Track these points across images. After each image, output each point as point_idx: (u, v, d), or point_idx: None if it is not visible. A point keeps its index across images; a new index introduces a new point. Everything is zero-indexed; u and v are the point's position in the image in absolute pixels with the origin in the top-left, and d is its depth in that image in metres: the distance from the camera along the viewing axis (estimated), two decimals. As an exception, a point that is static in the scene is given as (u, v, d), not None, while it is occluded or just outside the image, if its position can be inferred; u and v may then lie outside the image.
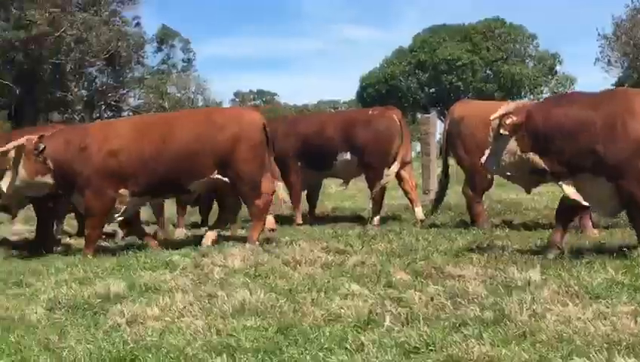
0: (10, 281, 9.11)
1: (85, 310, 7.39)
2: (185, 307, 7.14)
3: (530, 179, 9.93)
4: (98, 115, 74.11)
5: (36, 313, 7.32)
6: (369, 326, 6.29)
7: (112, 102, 76.09)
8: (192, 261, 9.83)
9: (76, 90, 74.40)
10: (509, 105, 9.75)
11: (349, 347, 5.74)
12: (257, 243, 11.12)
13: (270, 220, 13.39)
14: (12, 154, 11.29)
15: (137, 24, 77.40)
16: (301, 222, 14.43)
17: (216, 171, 11.32)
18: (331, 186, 19.35)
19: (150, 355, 5.67)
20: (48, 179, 11.46)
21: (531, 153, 9.32)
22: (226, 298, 7.27)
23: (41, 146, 11.32)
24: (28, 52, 67.72)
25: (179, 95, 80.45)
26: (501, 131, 9.42)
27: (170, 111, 66.40)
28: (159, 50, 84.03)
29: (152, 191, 11.66)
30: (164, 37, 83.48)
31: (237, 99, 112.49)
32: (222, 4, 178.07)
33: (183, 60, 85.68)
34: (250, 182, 11.46)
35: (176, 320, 6.75)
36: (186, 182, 11.44)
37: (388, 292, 7.46)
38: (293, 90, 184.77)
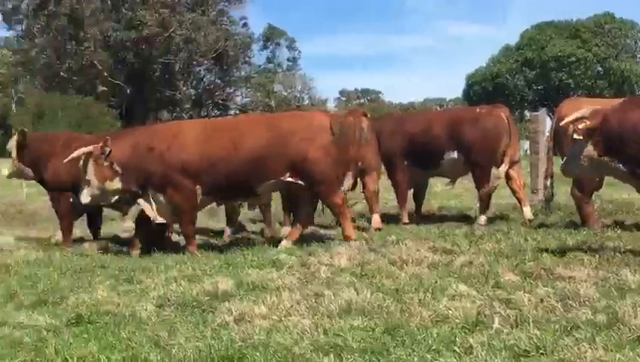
0: (121, 278, 9.27)
1: (194, 307, 7.48)
2: (292, 306, 7.16)
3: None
4: (206, 113, 75.31)
5: (146, 310, 7.44)
6: (477, 328, 6.20)
7: (220, 101, 77.19)
8: (299, 259, 9.86)
9: (185, 89, 75.89)
10: (584, 110, 9.63)
11: (457, 349, 5.67)
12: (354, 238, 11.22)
13: (376, 219, 13.38)
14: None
15: (244, 24, 78.29)
16: (407, 221, 14.33)
17: (288, 174, 11.37)
18: (437, 185, 19.20)
19: (258, 354, 5.70)
20: (117, 183, 11.73)
21: (608, 157, 9.22)
22: (332, 297, 7.26)
23: (107, 150, 11.60)
24: (138, 52, 69.36)
25: (285, 93, 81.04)
26: (575, 136, 9.34)
27: (276, 110, 67.08)
28: (265, 48, 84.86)
29: (219, 193, 11.77)
30: (270, 36, 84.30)
31: (342, 98, 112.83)
32: (327, 3, 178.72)
33: (288, 59, 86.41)
34: (325, 182, 11.47)
35: (283, 318, 6.77)
36: (255, 184, 11.53)
37: (496, 294, 7.34)
38: (398, 89, 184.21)
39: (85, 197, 11.88)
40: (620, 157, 9.18)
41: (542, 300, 6.92)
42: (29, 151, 13.20)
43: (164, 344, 6.13)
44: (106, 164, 11.62)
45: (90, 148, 11.76)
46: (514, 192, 14.29)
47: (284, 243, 11.51)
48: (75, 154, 11.82)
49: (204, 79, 79.31)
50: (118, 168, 11.65)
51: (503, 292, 7.43)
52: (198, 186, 11.46)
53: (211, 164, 11.33)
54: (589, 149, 9.28)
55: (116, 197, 12.08)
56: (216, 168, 11.34)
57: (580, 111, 9.66)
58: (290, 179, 11.43)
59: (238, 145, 11.35)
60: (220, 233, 14.04)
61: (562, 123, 9.99)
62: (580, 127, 9.25)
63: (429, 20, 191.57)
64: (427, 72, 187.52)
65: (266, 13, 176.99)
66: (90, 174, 11.71)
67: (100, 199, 12.19)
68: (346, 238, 11.33)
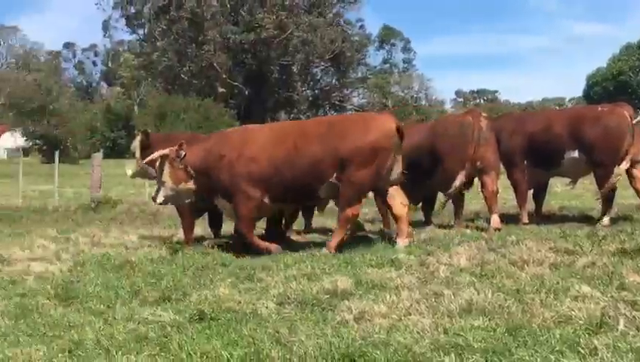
0: (242, 276, 9.41)
1: (314, 305, 7.52)
2: (411, 305, 7.14)
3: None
4: (323, 113, 75.81)
5: (267, 307, 7.52)
6: (602, 330, 6.06)
7: (336, 102, 77.53)
8: (418, 259, 9.85)
9: (302, 90, 76.49)
10: None
11: (581, 350, 5.56)
12: (334, 252, 11.16)
13: (496, 219, 13.22)
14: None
15: (361, 26, 78.53)
16: (527, 221, 14.10)
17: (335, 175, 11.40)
18: (557, 185, 18.87)
19: (378, 352, 5.69)
20: (191, 185, 12.17)
21: None
22: (452, 297, 7.21)
23: (182, 153, 11.98)
24: (256, 54, 70.24)
25: (402, 94, 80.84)
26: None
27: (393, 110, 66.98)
28: (380, 49, 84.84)
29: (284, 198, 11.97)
30: (386, 37, 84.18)
31: (458, 99, 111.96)
32: (443, 3, 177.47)
33: (404, 60, 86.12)
34: (356, 188, 11.46)
35: (402, 317, 6.76)
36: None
37: (621, 295, 7.16)
38: (515, 88, 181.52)
39: (160, 198, 12.44)
40: None
41: (670, 302, 6.73)
42: (152, 151, 13.50)
43: (285, 341, 6.18)
44: (180, 166, 12.06)
45: (166, 150, 12.23)
46: (638, 192, 13.94)
47: (400, 242, 11.46)
48: (153, 155, 12.19)
49: (321, 80, 79.80)
50: (191, 171, 12.07)
51: (627, 293, 7.25)
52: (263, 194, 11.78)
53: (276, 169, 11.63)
54: None
55: (190, 198, 12.55)
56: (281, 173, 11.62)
57: None
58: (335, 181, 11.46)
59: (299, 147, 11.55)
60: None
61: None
62: None
63: (550, 20, 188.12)
64: (546, 72, 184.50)
65: (382, 13, 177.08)
66: (166, 176, 12.22)
67: (173, 200, 12.72)
68: (326, 246, 11.48)
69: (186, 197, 12.54)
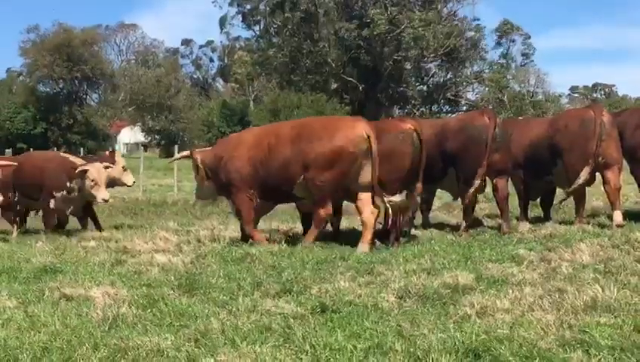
0: (362, 270, 9.44)
1: (435, 300, 7.51)
2: (534, 301, 7.08)
3: None
4: (438, 108, 75.34)
5: (388, 301, 7.55)
6: None
7: (450, 97, 76.98)
8: (539, 255, 9.75)
9: (416, 85, 76.18)
10: None
11: None
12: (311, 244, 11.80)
13: (618, 215, 12.92)
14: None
15: (477, 25, 77.72)
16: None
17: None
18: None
19: (503, 347, 5.66)
20: (210, 184, 13.20)
21: None
22: (576, 293, 7.11)
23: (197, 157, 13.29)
24: (370, 50, 70.23)
25: (518, 89, 79.61)
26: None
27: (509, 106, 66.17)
28: (499, 44, 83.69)
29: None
30: (504, 32, 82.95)
31: (573, 94, 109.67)
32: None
33: (522, 54, 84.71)
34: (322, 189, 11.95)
35: (525, 313, 6.69)
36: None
37: None
38: (633, 82, 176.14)
39: (195, 196, 14.13)
40: None
41: None
42: None
43: (407, 334, 6.18)
44: (201, 167, 13.12)
45: (186, 153, 13.95)
46: (608, 195, 13.43)
47: (361, 247, 11.60)
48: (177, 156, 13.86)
49: (435, 75, 79.31)
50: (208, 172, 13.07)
51: None
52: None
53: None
54: None
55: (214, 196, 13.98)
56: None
57: None
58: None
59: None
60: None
61: None
62: None
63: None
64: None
65: (501, 7, 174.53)
66: (195, 176, 13.58)
67: (205, 197, 14.31)
68: (304, 243, 11.91)
69: (211, 195, 13.89)
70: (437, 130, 13.62)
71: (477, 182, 12.84)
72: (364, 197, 11.95)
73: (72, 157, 16.19)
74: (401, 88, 75.50)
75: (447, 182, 13.74)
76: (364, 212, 11.95)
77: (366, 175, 11.80)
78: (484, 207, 17.44)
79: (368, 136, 11.67)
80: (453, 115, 49.85)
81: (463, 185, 13.11)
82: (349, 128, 11.96)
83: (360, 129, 11.81)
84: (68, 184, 14.86)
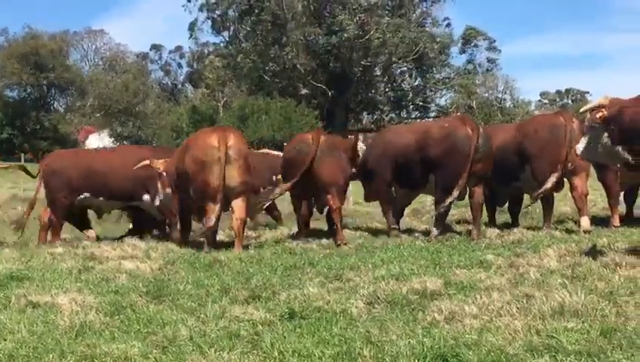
0: (331, 276, 9.45)
1: (403, 306, 7.54)
2: (502, 306, 7.09)
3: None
4: (406, 114, 75.59)
5: (356, 307, 7.55)
6: (700, 334, 5.94)
7: (420, 103, 77.27)
8: (507, 260, 9.82)
9: (384, 91, 76.42)
10: (603, 99, 9.98)
11: (679, 354, 5.47)
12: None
13: (585, 221, 13.01)
14: None
15: (448, 24, 78.05)
16: (618, 224, 13.81)
17: None
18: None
19: (471, 353, 5.67)
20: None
21: (620, 147, 9.52)
22: (544, 299, 7.13)
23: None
24: (339, 55, 70.39)
25: (486, 95, 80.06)
26: (591, 123, 9.92)
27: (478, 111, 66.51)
28: (464, 50, 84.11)
29: None
30: (470, 37, 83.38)
31: (544, 100, 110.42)
32: (527, 2, 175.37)
33: (488, 60, 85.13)
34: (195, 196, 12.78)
35: (494, 319, 6.71)
36: None
37: None
38: (604, 89, 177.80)
39: None
40: (630, 148, 9.48)
41: None
42: None
43: (376, 341, 6.18)
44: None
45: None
46: (575, 201, 13.56)
47: (236, 251, 12.11)
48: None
49: (404, 81, 79.59)
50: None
51: None
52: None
53: None
54: (604, 137, 9.63)
55: None
56: None
57: (598, 100, 10.11)
58: None
59: None
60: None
61: (581, 110, 10.82)
62: (598, 115, 9.64)
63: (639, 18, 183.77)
64: (636, 71, 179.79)
65: (465, 14, 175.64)
66: None
67: None
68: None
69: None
70: (418, 136, 13.57)
71: (456, 193, 12.78)
72: (234, 204, 12.55)
73: None
74: (370, 94, 75.69)
75: (430, 188, 13.75)
76: (233, 219, 12.66)
77: (229, 181, 12.32)
78: (453, 213, 17.49)
79: (219, 145, 12.27)
80: (435, 120, 49.81)
81: (441, 193, 13.08)
82: (204, 138, 12.73)
83: (213, 138, 12.43)
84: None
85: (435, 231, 13.08)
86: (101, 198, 15.16)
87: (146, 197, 14.76)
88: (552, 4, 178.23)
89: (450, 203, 13.07)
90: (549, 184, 13.12)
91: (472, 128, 12.98)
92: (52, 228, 14.98)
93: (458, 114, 42.60)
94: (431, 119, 59.30)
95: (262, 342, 6.25)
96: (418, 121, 65.31)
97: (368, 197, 15.00)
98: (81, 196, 15.00)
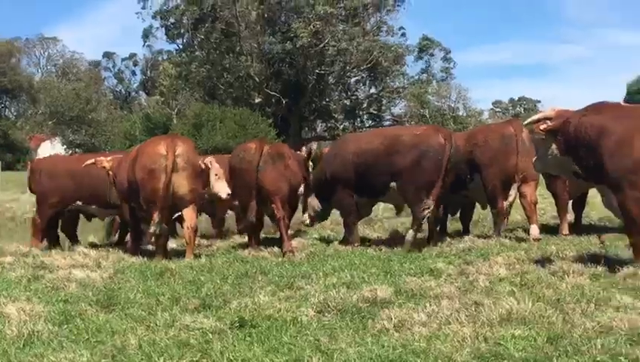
0: (282, 284, 9.46)
1: (354, 314, 7.56)
2: (451, 314, 7.14)
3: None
4: (360, 123, 75.75)
5: (307, 315, 7.56)
6: (644, 341, 6.03)
7: (373, 111, 77.49)
8: (457, 268, 9.91)
9: (339, 99, 76.55)
10: (550, 111, 10.23)
11: (622, 360, 5.56)
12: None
13: (535, 229, 13.14)
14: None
15: (403, 34, 78.38)
16: (567, 232, 13.98)
17: None
18: (597, 196, 18.72)
19: (419, 360, 5.73)
20: None
21: (567, 157, 9.84)
22: (492, 306, 7.19)
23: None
24: (293, 64, 70.40)
25: (439, 104, 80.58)
26: (535, 135, 10.27)
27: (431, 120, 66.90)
28: (419, 59, 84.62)
29: None
30: (425, 47, 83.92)
31: (496, 109, 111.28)
32: (481, 12, 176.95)
33: (442, 69, 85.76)
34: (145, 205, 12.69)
35: (442, 326, 6.76)
36: None
37: (663, 305, 7.14)
38: (553, 98, 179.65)
39: None
40: (575, 158, 9.78)
41: None
42: None
43: (325, 349, 6.21)
44: None
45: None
46: (525, 209, 13.74)
47: (187, 258, 12.27)
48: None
49: (359, 90, 79.82)
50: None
51: (671, 304, 7.21)
52: None
53: None
54: (553, 148, 9.93)
55: None
56: None
57: (545, 112, 10.43)
58: None
59: None
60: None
61: (525, 122, 11.25)
62: (542, 127, 9.94)
63: (588, 28, 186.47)
64: (585, 80, 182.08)
65: (421, 24, 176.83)
66: None
67: None
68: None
69: None
70: (387, 142, 13.49)
71: (431, 203, 12.76)
72: (184, 213, 12.58)
73: None
74: (325, 102, 75.78)
75: (392, 196, 13.74)
76: (184, 228, 12.72)
77: (178, 189, 12.36)
78: (403, 221, 17.61)
79: (167, 153, 12.27)
80: (404, 126, 49.96)
81: (413, 204, 13.06)
82: (153, 147, 12.70)
83: (161, 147, 12.44)
84: None
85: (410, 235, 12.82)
86: (94, 206, 15.27)
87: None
88: (505, 14, 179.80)
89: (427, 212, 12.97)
90: (512, 197, 13.29)
91: (444, 137, 13.03)
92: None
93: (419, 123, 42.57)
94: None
95: (211, 351, 6.24)
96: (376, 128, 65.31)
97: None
98: (74, 204, 15.08)
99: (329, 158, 14.48)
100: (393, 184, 13.21)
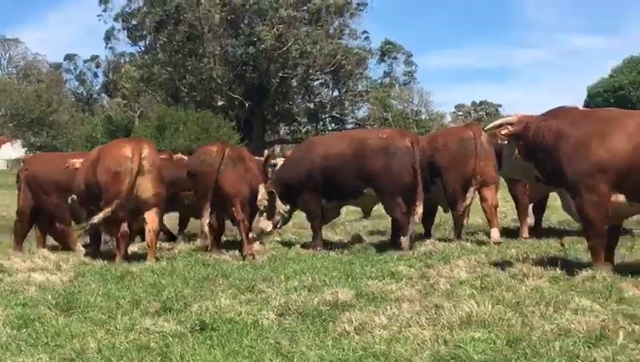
0: (243, 287, 9.43)
1: (315, 317, 7.56)
2: (412, 317, 7.17)
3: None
4: (323, 127, 75.80)
5: (268, 318, 7.56)
6: (601, 342, 6.08)
7: (336, 115, 77.55)
8: (418, 271, 9.94)
9: (301, 102, 76.58)
10: (511, 116, 10.46)
11: (580, 362, 5.61)
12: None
13: (495, 233, 13.22)
14: None
15: (366, 37, 78.57)
16: (527, 235, 14.09)
17: None
18: (557, 199, 18.88)
19: (379, 363, 5.75)
20: None
21: (528, 162, 9.99)
22: (452, 309, 7.21)
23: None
24: (256, 67, 70.33)
25: (401, 107, 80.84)
26: (498, 140, 10.47)
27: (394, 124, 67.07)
28: (381, 62, 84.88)
29: None
30: (387, 50, 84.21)
31: (458, 112, 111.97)
32: (443, 16, 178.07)
33: (405, 73, 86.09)
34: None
35: (403, 329, 6.78)
36: None
37: (620, 308, 7.23)
38: (517, 101, 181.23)
39: None
40: (534, 162, 9.95)
41: (669, 316, 6.76)
42: None
43: (285, 352, 6.22)
44: None
45: None
46: (486, 213, 13.91)
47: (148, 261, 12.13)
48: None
49: (321, 93, 79.88)
50: None
51: (627, 307, 7.32)
52: None
53: None
54: (516, 153, 10.08)
55: None
56: None
57: (507, 118, 10.59)
58: None
59: None
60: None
61: (486, 128, 11.48)
62: (504, 132, 10.07)
63: (550, 33, 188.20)
64: (546, 84, 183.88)
65: (383, 27, 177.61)
66: None
67: None
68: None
69: None
70: (355, 146, 13.53)
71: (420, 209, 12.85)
72: (146, 216, 12.54)
73: None
74: (288, 105, 75.76)
75: (363, 200, 13.74)
76: (146, 232, 12.68)
77: (142, 193, 12.35)
78: (366, 224, 17.67)
79: (133, 156, 12.20)
80: (370, 129, 49.98)
81: (392, 210, 13.15)
82: (117, 150, 12.58)
83: (126, 150, 12.35)
84: None
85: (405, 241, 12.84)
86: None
87: None
88: (467, 18, 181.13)
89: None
90: (468, 199, 13.34)
91: (411, 140, 13.09)
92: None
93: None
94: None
95: (172, 355, 6.23)
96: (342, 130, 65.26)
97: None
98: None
99: (295, 161, 14.45)
100: (368, 189, 13.28)
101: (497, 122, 10.49)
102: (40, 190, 15.07)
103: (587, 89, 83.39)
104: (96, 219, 12.21)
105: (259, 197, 13.27)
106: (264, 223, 14.29)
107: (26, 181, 15.37)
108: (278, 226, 14.81)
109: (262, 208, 13.77)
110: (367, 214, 17.87)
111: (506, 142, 10.24)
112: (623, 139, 9.11)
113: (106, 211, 12.09)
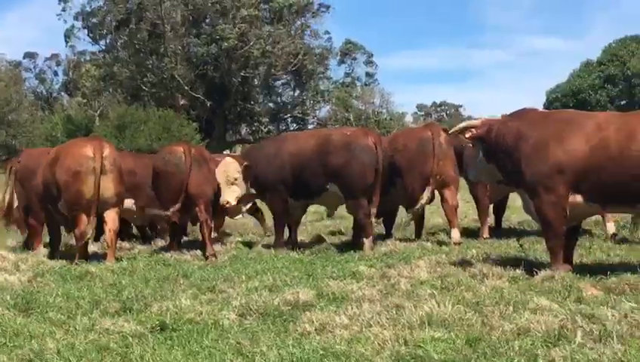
0: (204, 287, 9.41)
1: (275, 317, 7.58)
2: (372, 317, 7.19)
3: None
4: (285, 127, 75.72)
5: (228, 318, 7.56)
6: (560, 342, 6.14)
7: (298, 115, 77.50)
8: (379, 272, 9.97)
9: (263, 102, 76.43)
10: (475, 120, 10.54)
11: (539, 362, 5.65)
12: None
13: (456, 233, 13.29)
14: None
15: (329, 38, 78.54)
16: (488, 235, 14.20)
17: None
18: (517, 200, 19.02)
19: (339, 363, 5.76)
20: None
21: (491, 164, 10.09)
22: (413, 309, 7.25)
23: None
24: (218, 66, 70.03)
25: (363, 108, 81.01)
26: (463, 143, 10.70)
27: (355, 124, 67.18)
28: (342, 62, 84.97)
29: None
30: (348, 50, 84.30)
31: (419, 112, 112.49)
32: (404, 17, 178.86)
33: (366, 73, 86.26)
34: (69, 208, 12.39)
35: (364, 329, 6.80)
36: None
37: (579, 308, 7.26)
38: (476, 103, 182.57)
39: None
40: (496, 164, 10.03)
41: (626, 315, 6.82)
42: None
43: (246, 352, 6.22)
44: None
45: None
46: (446, 213, 13.98)
47: (107, 263, 11.99)
48: None
49: (283, 93, 79.81)
50: None
51: (585, 306, 7.36)
52: None
53: None
54: (480, 156, 10.17)
55: None
56: None
57: (471, 121, 10.66)
58: None
59: None
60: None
61: (450, 131, 11.36)
62: (467, 135, 10.17)
63: (510, 35, 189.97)
64: (506, 86, 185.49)
65: (344, 28, 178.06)
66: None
67: None
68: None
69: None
70: (319, 142, 13.55)
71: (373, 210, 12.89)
72: (106, 216, 12.47)
73: None
74: (249, 105, 75.52)
75: (327, 198, 13.72)
76: (105, 231, 12.61)
77: (104, 192, 12.22)
78: (328, 224, 17.69)
79: (95, 155, 12.12)
80: (334, 128, 50.03)
81: (355, 209, 13.19)
82: (79, 150, 12.40)
83: (87, 149, 12.24)
84: None
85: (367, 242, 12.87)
86: None
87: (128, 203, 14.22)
88: (429, 19, 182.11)
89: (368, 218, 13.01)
90: (423, 199, 13.37)
91: (374, 141, 13.11)
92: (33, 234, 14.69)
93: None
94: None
95: (131, 355, 6.22)
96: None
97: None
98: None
99: (260, 159, 14.28)
100: (330, 186, 13.28)
101: (461, 125, 10.54)
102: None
103: (546, 93, 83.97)
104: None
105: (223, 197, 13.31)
106: (229, 195, 13.82)
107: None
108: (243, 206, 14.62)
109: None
110: (330, 214, 17.85)
111: (471, 145, 10.33)
112: (580, 140, 9.19)
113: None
